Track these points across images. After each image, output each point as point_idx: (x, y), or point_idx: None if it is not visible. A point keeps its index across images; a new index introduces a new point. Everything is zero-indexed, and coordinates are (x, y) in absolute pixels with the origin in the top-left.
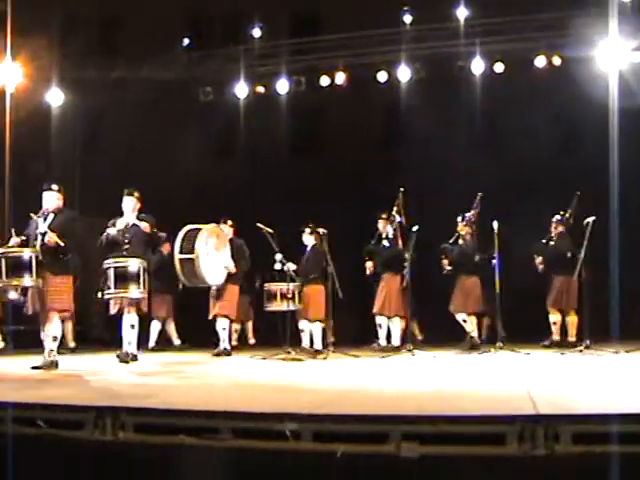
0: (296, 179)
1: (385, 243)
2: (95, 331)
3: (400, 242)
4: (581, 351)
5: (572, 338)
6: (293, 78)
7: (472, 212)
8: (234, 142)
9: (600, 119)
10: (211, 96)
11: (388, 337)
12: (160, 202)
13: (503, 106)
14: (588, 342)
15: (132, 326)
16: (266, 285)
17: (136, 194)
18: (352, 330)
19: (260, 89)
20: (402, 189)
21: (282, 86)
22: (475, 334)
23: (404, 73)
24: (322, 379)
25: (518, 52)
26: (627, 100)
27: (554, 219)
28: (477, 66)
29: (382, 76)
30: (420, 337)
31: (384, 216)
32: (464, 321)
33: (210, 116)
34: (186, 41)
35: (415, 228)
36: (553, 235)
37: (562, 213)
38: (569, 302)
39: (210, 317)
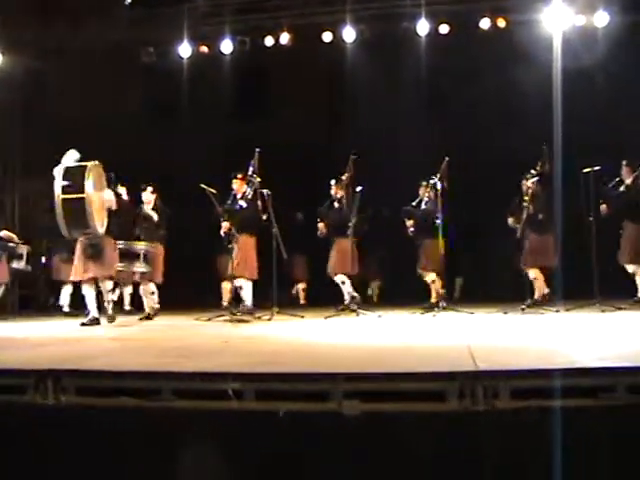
0: (240, 140)
1: (336, 205)
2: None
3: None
4: (523, 309)
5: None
6: (237, 38)
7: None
8: (177, 103)
9: (544, 81)
10: (154, 56)
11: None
12: (102, 165)
13: (448, 67)
14: (530, 301)
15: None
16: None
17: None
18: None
19: (204, 49)
20: (354, 156)
21: (226, 46)
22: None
23: (349, 34)
24: (265, 339)
25: (463, 14)
26: (570, 62)
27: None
28: (422, 27)
29: (327, 36)
30: (375, 299)
31: (333, 182)
32: (432, 282)
33: (153, 77)
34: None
35: (359, 189)
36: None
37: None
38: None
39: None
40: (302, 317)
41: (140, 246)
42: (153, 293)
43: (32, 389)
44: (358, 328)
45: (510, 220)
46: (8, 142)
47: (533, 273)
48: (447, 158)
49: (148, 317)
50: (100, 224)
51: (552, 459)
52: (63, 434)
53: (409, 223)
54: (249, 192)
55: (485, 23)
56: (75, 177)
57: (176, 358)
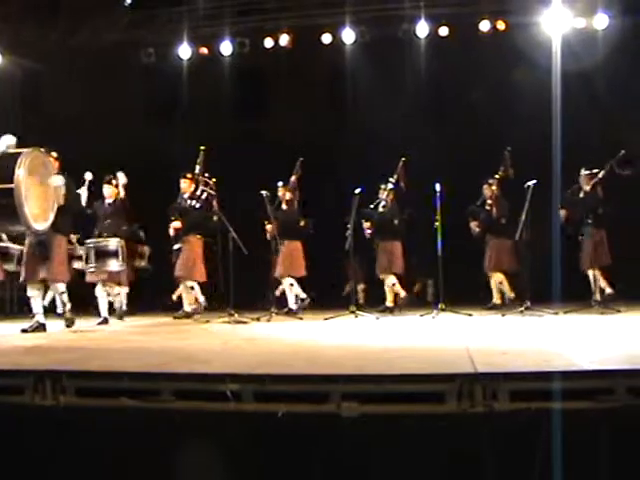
0: (240, 142)
1: (283, 207)
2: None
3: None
4: (521, 312)
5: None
6: (237, 40)
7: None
8: (177, 104)
9: (543, 83)
10: (154, 57)
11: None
12: (102, 165)
13: (447, 70)
14: (529, 303)
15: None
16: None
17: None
18: None
19: (204, 50)
20: (301, 159)
21: (226, 48)
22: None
23: (349, 35)
24: (263, 341)
25: (463, 16)
26: (570, 64)
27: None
28: (422, 29)
29: (327, 38)
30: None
31: (280, 184)
32: (393, 285)
33: (153, 78)
34: (128, 1)
35: (358, 190)
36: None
37: (498, 174)
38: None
39: None
40: (301, 319)
41: (112, 243)
42: (192, 288)
43: (31, 390)
44: (357, 330)
45: (472, 224)
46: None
47: (497, 277)
48: (403, 159)
49: (187, 316)
50: (39, 218)
51: (551, 461)
52: (62, 435)
53: (366, 225)
54: (200, 192)
55: (485, 25)
56: (6, 164)
57: (175, 359)
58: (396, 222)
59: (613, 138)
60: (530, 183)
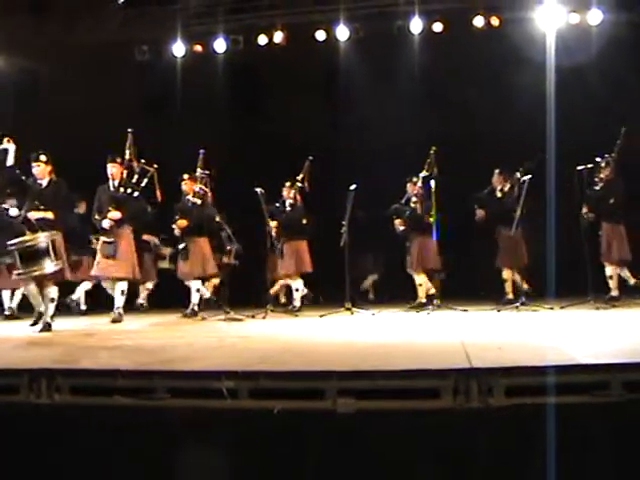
0: (233, 139)
1: (287, 208)
2: None
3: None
4: (517, 308)
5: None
6: (230, 37)
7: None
8: (171, 102)
9: (537, 79)
10: (147, 55)
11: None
12: (97, 163)
13: (442, 66)
14: (524, 299)
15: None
16: None
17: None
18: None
19: (197, 48)
20: (310, 158)
21: (219, 45)
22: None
23: (343, 32)
24: (259, 338)
25: (456, 12)
26: (564, 60)
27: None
28: (416, 26)
29: (321, 35)
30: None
31: (288, 184)
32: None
33: (147, 75)
34: None
35: (353, 187)
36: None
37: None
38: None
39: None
40: (296, 315)
41: (40, 240)
42: (199, 290)
43: (26, 388)
44: (352, 326)
45: (396, 222)
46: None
47: (421, 277)
48: (310, 158)
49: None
50: None
51: (547, 456)
52: (57, 433)
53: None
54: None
55: (479, 21)
56: None
57: (170, 357)
58: (304, 221)
59: (607, 133)
60: (525, 178)
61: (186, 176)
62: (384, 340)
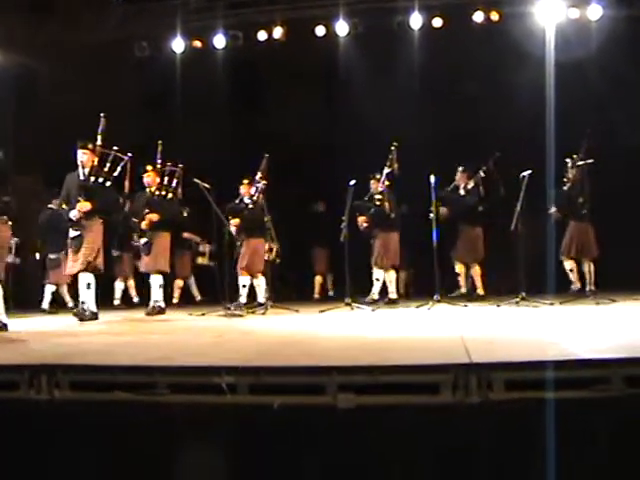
0: (233, 135)
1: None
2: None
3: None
4: (517, 303)
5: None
6: (230, 33)
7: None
8: (171, 97)
9: (537, 73)
10: (147, 51)
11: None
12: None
13: (441, 61)
14: (524, 294)
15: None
16: None
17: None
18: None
19: (197, 44)
20: (267, 155)
21: (219, 41)
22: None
23: (342, 27)
24: (259, 333)
25: (456, 7)
26: (563, 55)
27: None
28: (415, 21)
29: (320, 30)
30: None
31: (246, 181)
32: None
33: (146, 71)
34: None
35: (352, 183)
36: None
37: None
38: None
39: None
40: (297, 311)
41: None
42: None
43: (26, 384)
44: (352, 321)
45: (360, 220)
46: (1, 140)
47: (392, 274)
48: (267, 155)
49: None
50: None
51: (547, 451)
52: (57, 429)
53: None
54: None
55: (478, 16)
56: None
57: (170, 352)
58: (266, 219)
59: (606, 128)
60: (525, 173)
61: (246, 181)
62: (384, 335)
